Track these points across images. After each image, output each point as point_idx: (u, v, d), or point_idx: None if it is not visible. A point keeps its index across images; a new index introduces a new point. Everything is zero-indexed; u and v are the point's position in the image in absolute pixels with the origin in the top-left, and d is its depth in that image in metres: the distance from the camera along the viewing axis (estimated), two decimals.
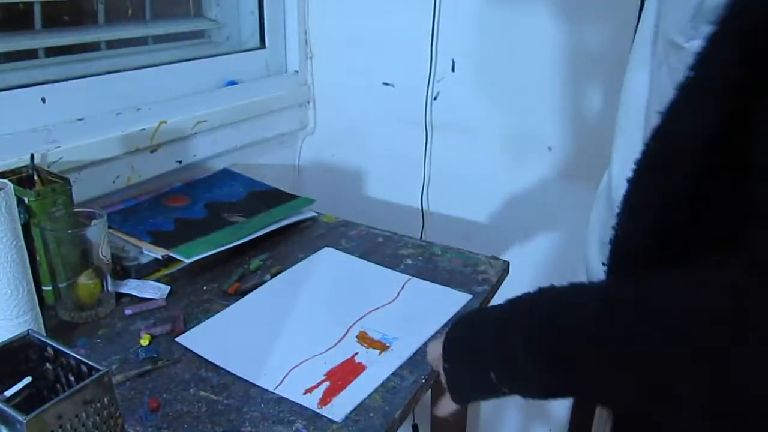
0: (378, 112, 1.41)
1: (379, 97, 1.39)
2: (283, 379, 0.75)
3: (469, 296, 0.93)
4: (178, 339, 0.82)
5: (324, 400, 0.72)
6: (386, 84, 1.38)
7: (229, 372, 0.76)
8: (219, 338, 0.83)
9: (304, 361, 0.78)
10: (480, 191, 1.33)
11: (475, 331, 0.59)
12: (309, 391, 0.73)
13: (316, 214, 1.18)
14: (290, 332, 0.84)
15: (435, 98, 1.32)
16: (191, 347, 0.80)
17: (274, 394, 0.72)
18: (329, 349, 0.81)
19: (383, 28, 1.34)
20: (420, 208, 1.40)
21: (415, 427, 1.30)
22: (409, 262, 1.03)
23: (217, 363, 0.77)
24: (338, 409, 0.70)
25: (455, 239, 1.17)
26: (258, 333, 0.84)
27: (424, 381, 0.75)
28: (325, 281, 0.97)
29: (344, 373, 0.76)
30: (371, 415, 0.70)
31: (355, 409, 0.71)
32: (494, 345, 0.55)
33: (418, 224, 1.41)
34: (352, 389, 0.74)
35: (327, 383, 0.75)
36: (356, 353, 0.80)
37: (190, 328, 0.84)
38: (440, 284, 0.96)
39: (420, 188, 1.40)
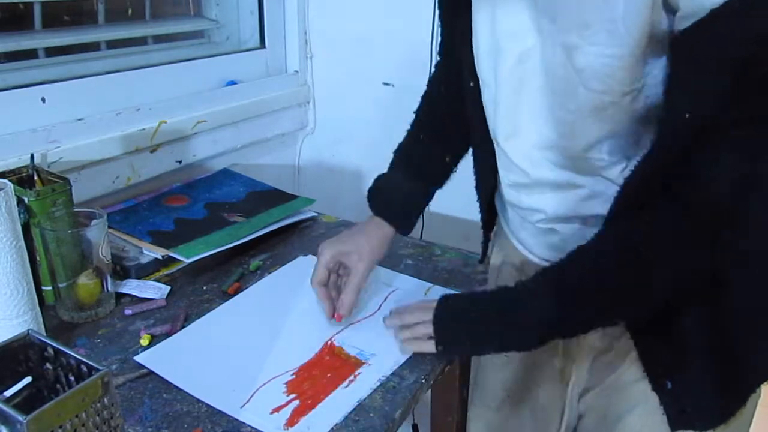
0: (378, 112, 1.41)
1: (379, 97, 1.39)
2: (251, 397, 0.71)
3: None
4: (137, 358, 0.76)
5: (291, 421, 0.68)
6: (386, 84, 1.38)
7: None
8: (183, 356, 0.78)
9: (274, 378, 0.74)
10: None
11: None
12: (276, 410, 0.69)
13: (315, 214, 1.18)
14: (262, 347, 0.80)
15: None
16: (151, 367, 0.75)
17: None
18: (302, 365, 0.77)
19: (383, 28, 1.34)
20: None
21: (414, 427, 1.30)
22: (409, 262, 1.03)
23: (178, 384, 0.72)
24: (305, 430, 0.67)
25: (455, 239, 1.17)
26: (227, 349, 0.80)
27: (424, 381, 0.75)
28: (302, 292, 0.90)
29: (315, 392, 0.73)
30: (371, 414, 0.70)
31: (354, 409, 0.70)
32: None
33: (418, 224, 1.41)
34: (322, 409, 0.70)
35: (296, 402, 0.71)
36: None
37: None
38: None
39: None
